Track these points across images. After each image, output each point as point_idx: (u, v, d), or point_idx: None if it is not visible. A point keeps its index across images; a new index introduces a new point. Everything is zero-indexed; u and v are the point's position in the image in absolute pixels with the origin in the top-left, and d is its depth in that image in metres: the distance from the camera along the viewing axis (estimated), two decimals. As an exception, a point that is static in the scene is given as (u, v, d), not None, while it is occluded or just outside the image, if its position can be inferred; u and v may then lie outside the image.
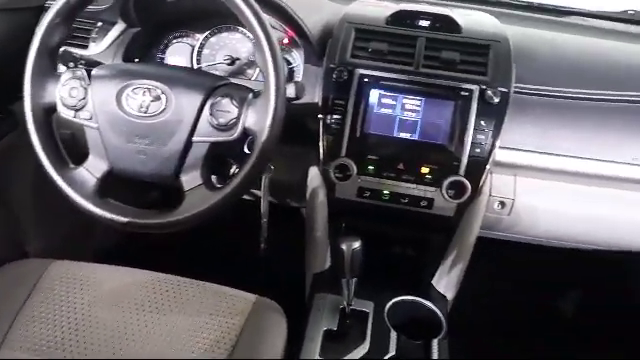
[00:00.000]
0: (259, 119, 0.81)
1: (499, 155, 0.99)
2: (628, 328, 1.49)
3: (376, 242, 0.96)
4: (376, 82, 1.00)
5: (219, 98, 0.83)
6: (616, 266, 1.47)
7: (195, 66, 1.16)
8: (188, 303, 0.96)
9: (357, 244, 0.87)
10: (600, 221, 1.06)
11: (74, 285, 0.98)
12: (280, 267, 1.35)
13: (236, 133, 0.83)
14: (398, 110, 0.99)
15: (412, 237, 1.15)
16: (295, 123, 0.90)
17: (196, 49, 1.17)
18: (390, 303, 1.04)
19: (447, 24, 1.07)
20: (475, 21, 1.10)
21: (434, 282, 1.14)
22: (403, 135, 1.00)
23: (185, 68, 1.13)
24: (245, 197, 1.17)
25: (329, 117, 1.00)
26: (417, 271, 1.15)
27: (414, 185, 1.00)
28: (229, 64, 1.15)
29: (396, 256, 1.16)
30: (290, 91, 0.86)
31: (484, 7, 1.30)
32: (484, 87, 0.97)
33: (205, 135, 0.83)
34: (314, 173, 1.07)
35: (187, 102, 0.83)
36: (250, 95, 0.85)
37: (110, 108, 0.84)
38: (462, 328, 1.10)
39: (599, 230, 1.08)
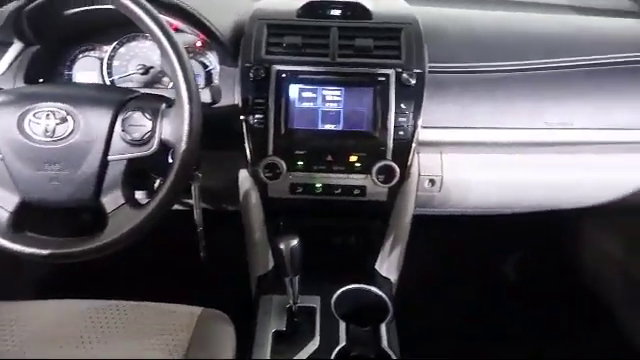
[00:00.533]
0: (175, 129, 0.79)
1: (424, 135, 1.00)
2: (567, 283, 1.58)
3: (316, 236, 0.96)
4: (294, 77, 0.99)
5: (130, 112, 0.80)
6: (548, 225, 1.55)
7: (107, 79, 1.11)
8: (131, 327, 0.92)
9: (295, 241, 0.87)
10: (523, 186, 1.11)
11: (4, 327, 0.91)
12: (224, 274, 1.33)
13: (153, 146, 0.80)
14: (319, 102, 0.99)
15: (350, 226, 1.16)
16: (218, 127, 0.88)
17: (105, 62, 1.11)
18: (336, 294, 1.05)
19: (358, 11, 1.07)
20: (385, 5, 1.11)
21: (377, 267, 1.16)
22: (327, 127, 1.00)
23: (91, 84, 1.08)
24: (179, 207, 1.14)
25: (251, 117, 0.98)
26: (360, 259, 1.17)
27: (345, 175, 1.01)
28: (143, 74, 1.10)
29: (337, 247, 1.17)
30: (205, 96, 0.84)
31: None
32: (400, 70, 0.98)
33: (120, 152, 0.80)
34: (244, 176, 1.06)
35: (96, 120, 0.79)
36: (163, 105, 0.82)
37: (12, 137, 0.79)
38: (410, 308, 1.13)
39: (523, 194, 1.13)
